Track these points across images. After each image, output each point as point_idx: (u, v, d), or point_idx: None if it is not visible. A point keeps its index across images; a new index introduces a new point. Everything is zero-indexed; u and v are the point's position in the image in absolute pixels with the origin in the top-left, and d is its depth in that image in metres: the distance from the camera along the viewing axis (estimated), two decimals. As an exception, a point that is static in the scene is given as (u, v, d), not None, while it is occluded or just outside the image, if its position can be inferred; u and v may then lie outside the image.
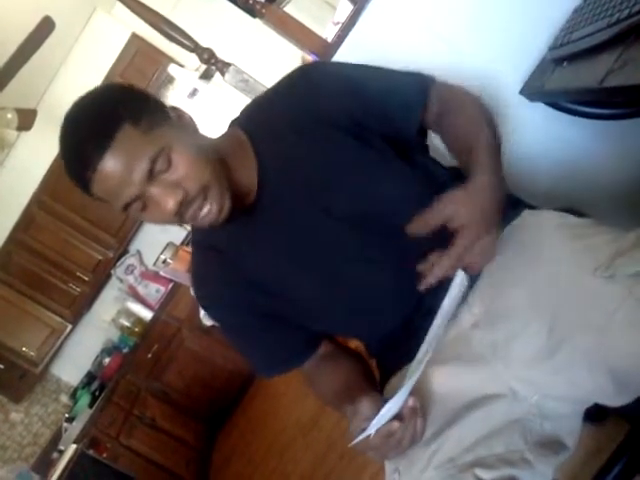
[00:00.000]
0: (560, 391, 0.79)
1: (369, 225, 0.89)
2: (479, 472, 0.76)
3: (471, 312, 0.86)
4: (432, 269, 0.79)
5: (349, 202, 0.89)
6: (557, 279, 0.79)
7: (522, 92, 1.28)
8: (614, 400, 0.76)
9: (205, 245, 0.99)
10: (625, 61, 0.87)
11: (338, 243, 0.90)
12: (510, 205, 0.94)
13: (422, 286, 0.81)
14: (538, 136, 1.33)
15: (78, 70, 3.75)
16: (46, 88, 3.83)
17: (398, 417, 0.76)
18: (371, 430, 0.76)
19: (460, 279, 0.79)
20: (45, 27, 2.75)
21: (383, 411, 0.75)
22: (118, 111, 0.78)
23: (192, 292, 1.08)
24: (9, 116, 3.03)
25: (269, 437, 3.15)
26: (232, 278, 0.96)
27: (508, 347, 0.81)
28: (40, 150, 3.80)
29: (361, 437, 0.76)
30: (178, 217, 0.82)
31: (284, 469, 2.71)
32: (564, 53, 1.10)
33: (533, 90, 1.23)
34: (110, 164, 0.77)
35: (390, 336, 0.96)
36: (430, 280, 0.79)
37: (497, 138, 0.93)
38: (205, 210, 0.83)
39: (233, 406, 4.07)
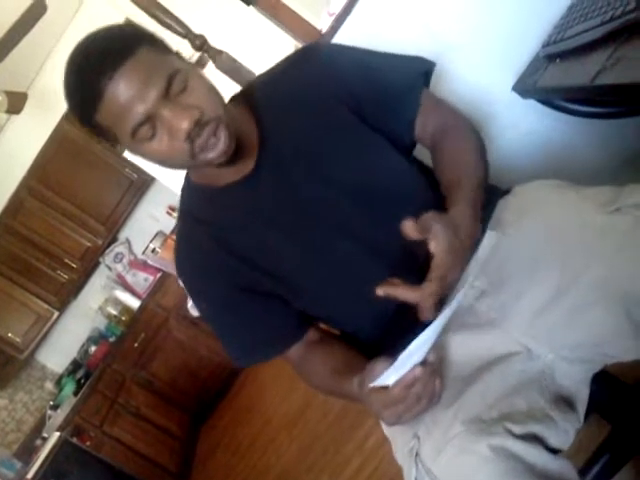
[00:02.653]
0: (574, 338, 0.76)
1: (365, 203, 0.90)
2: (509, 425, 0.72)
3: (473, 286, 0.84)
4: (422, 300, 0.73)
5: (348, 176, 0.90)
6: (562, 227, 0.79)
7: (514, 88, 1.27)
8: (628, 345, 0.73)
9: (194, 217, 0.96)
10: (617, 59, 0.86)
11: (334, 218, 0.90)
12: (488, 192, 0.95)
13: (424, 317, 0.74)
14: (529, 133, 1.33)
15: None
16: (37, 72, 3.78)
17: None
18: (388, 379, 0.70)
19: (490, 238, 0.73)
20: (37, 10, 2.72)
21: (404, 355, 0.68)
22: (137, 33, 0.79)
23: (175, 269, 1.01)
24: (-1, 99, 2.99)
25: (254, 429, 3.15)
26: (221, 251, 0.92)
27: (518, 303, 0.79)
28: (30, 134, 3.77)
29: (379, 382, 0.71)
30: (189, 143, 0.79)
31: (267, 461, 2.71)
32: (557, 50, 1.09)
33: (525, 87, 1.22)
34: (128, 74, 0.74)
35: (380, 325, 0.94)
36: (427, 314, 0.73)
37: (486, 170, 0.94)
38: (220, 138, 0.80)
39: (219, 398, 4.08)
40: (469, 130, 0.99)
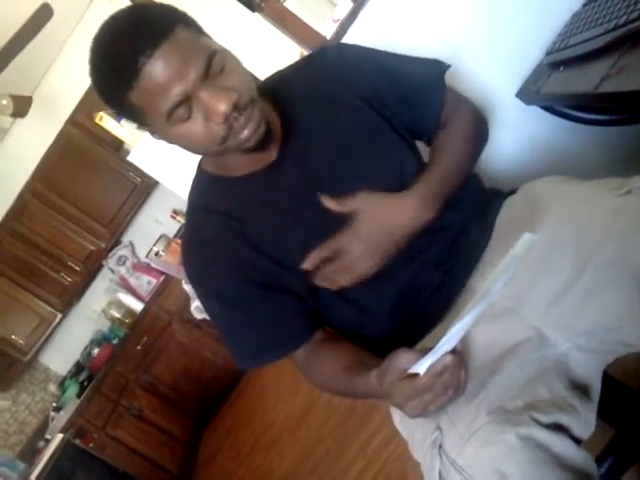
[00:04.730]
0: (588, 324, 0.75)
1: None
2: (536, 415, 0.71)
3: (485, 278, 0.85)
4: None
5: (372, 175, 0.90)
6: (574, 212, 0.79)
7: (518, 95, 1.28)
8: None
9: (208, 207, 0.94)
10: (621, 68, 0.87)
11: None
12: (493, 196, 0.99)
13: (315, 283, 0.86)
14: (531, 139, 1.34)
15: (75, 59, 3.72)
16: (42, 76, 3.80)
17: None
18: (421, 367, 0.69)
19: (526, 239, 0.69)
20: (43, 14, 2.73)
21: (440, 343, 0.66)
22: (173, 12, 0.77)
23: (182, 264, 0.98)
24: (4, 102, 3.01)
25: (256, 432, 3.15)
26: (237, 241, 0.90)
27: (533, 291, 0.80)
28: (35, 137, 3.78)
29: (414, 369, 0.69)
30: (225, 127, 0.77)
31: (270, 464, 2.71)
32: (561, 58, 1.10)
33: (529, 93, 1.23)
34: (167, 53, 0.72)
35: (395, 323, 0.94)
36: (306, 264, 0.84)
37: (472, 155, 0.96)
38: (254, 121, 0.79)
39: (221, 401, 4.07)
40: (467, 118, 1.00)
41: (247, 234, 0.90)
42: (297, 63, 1.03)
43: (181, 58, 0.73)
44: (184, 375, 3.98)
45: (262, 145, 0.84)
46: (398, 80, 0.96)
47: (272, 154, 0.90)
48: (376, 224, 0.84)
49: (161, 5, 0.78)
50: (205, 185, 0.96)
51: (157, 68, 0.72)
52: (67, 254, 4.05)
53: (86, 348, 4.27)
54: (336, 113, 0.92)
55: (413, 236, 0.86)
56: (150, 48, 0.71)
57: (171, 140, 0.83)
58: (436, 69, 1.02)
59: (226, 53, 0.80)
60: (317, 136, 0.91)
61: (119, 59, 0.73)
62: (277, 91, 0.94)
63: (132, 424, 3.76)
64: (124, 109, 0.79)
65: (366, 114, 0.93)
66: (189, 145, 0.82)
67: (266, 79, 1.02)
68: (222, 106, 0.75)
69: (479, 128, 1.01)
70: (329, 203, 0.85)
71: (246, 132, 0.79)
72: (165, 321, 3.92)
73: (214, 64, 0.76)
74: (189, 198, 0.97)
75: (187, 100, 0.75)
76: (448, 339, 0.67)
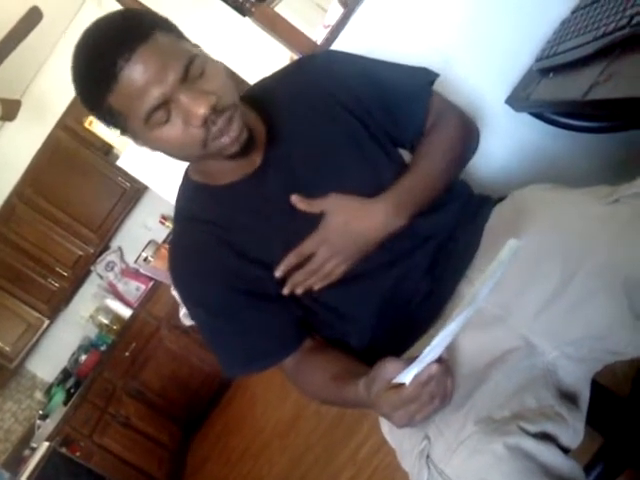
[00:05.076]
0: (576, 332, 0.75)
1: None
2: (523, 424, 0.71)
3: (473, 284, 0.84)
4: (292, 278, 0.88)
5: (355, 183, 0.90)
6: (562, 220, 0.79)
7: (508, 101, 1.28)
8: (629, 338, 0.73)
9: (193, 216, 0.93)
10: (609, 75, 0.87)
11: None
12: (482, 203, 0.99)
13: (286, 290, 0.88)
14: (520, 146, 1.34)
15: (65, 63, 3.66)
16: (32, 79, 3.78)
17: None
18: (406, 377, 0.69)
19: (511, 246, 0.67)
20: (33, 17, 2.72)
21: (425, 352, 0.66)
22: (152, 17, 0.78)
23: (169, 272, 0.97)
24: (-8, 106, 2.99)
25: (246, 440, 3.13)
26: (223, 250, 0.90)
27: (521, 299, 0.80)
28: (23, 141, 3.76)
29: (399, 379, 0.69)
30: (204, 130, 0.77)
31: (259, 471, 2.69)
32: (550, 64, 1.10)
33: (518, 100, 1.23)
34: (146, 56, 0.73)
35: (381, 333, 0.93)
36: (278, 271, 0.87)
37: (453, 170, 0.97)
38: (234, 125, 0.79)
39: (209, 408, 4.05)
40: (454, 125, 1.00)
41: (232, 242, 0.90)
42: (285, 68, 1.03)
43: (159, 62, 0.73)
44: (172, 382, 3.95)
45: (244, 151, 0.84)
46: (382, 88, 0.96)
47: (256, 160, 0.90)
48: (344, 227, 0.86)
49: (142, 10, 0.80)
50: (191, 194, 0.96)
51: (135, 71, 0.73)
52: (55, 259, 4.02)
53: (73, 355, 4.23)
54: (320, 120, 0.92)
55: (381, 241, 0.87)
56: (128, 52, 0.72)
57: (152, 145, 0.83)
58: (423, 78, 1.02)
59: (207, 58, 0.80)
60: (301, 143, 0.91)
61: (99, 63, 0.74)
62: (263, 97, 0.94)
63: (119, 432, 3.72)
64: (104, 114, 0.79)
65: (347, 121, 0.93)
66: (169, 150, 0.82)
67: (253, 85, 1.02)
68: (200, 109, 0.75)
69: (466, 135, 1.02)
70: (299, 203, 0.87)
71: (227, 139, 0.80)
72: (153, 327, 3.90)
73: (193, 68, 0.76)
74: (176, 206, 0.97)
75: (166, 104, 0.76)
76: (433, 347, 0.67)
